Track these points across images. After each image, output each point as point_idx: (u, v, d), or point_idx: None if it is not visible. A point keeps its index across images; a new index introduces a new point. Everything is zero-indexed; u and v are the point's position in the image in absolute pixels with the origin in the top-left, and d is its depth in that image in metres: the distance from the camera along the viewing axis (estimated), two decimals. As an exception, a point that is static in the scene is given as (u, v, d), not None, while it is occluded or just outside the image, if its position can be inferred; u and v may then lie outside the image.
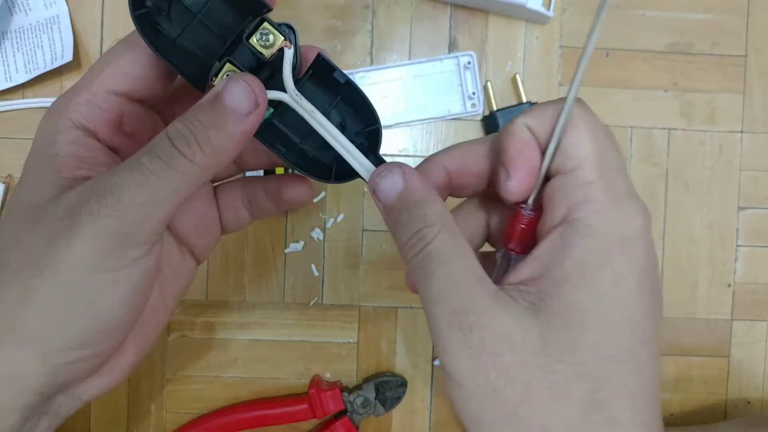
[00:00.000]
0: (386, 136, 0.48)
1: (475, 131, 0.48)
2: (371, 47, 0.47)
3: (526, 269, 0.23)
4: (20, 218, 0.23)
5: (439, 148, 0.47)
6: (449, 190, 0.27)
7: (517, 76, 0.47)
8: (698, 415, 0.49)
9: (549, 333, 0.21)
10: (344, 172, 0.27)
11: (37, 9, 0.46)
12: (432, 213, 0.23)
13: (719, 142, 0.48)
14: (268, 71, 0.26)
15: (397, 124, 0.47)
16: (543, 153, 0.24)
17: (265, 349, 0.48)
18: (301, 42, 0.26)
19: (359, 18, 0.47)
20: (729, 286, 0.49)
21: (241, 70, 0.24)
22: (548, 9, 0.46)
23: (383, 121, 0.47)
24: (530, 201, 0.24)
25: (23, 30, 0.46)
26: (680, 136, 0.48)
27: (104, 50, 0.46)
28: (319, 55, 0.26)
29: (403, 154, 0.48)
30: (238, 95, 0.23)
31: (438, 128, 0.48)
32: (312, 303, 0.48)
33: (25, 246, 0.22)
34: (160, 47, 0.24)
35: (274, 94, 0.25)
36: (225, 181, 0.32)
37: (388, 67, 0.47)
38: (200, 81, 0.25)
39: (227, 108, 0.22)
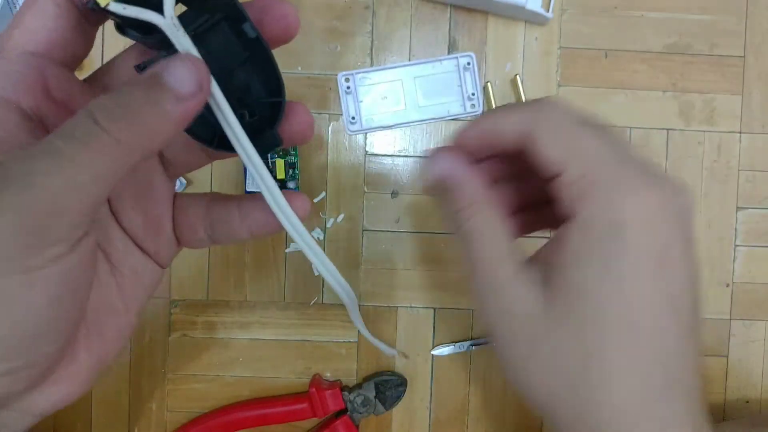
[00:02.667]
0: (387, 136, 0.48)
1: (474, 132, 0.48)
2: (371, 48, 0.48)
3: (544, 251, 0.27)
4: None
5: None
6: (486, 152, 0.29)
7: (518, 77, 0.47)
8: (697, 414, 0.49)
9: (552, 303, 0.25)
10: (230, 143, 0.23)
11: (39, 10, 0.46)
12: (468, 196, 0.27)
13: (718, 142, 0.48)
14: None
15: (397, 125, 0.48)
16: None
17: (265, 348, 0.48)
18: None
19: (359, 19, 0.47)
20: (727, 285, 0.49)
21: None
22: (547, 10, 0.46)
23: (384, 122, 0.48)
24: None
25: (25, 31, 0.46)
26: (679, 136, 0.48)
27: (105, 50, 0.46)
28: None
29: (402, 154, 0.48)
30: (180, 75, 0.20)
31: (438, 129, 0.48)
32: (312, 302, 0.48)
33: None
34: None
35: (147, 15, 0.20)
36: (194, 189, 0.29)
37: (388, 68, 0.47)
38: None
39: (166, 85, 0.20)
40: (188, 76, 0.20)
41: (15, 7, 0.46)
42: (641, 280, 0.24)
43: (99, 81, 0.25)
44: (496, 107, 0.29)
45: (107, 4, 0.20)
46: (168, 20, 0.21)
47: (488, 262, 0.26)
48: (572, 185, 0.24)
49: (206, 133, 0.23)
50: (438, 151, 0.28)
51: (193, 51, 0.21)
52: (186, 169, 0.28)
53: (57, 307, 0.20)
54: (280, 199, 0.25)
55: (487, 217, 0.27)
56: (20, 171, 0.19)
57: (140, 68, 0.22)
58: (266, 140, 0.24)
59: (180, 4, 0.22)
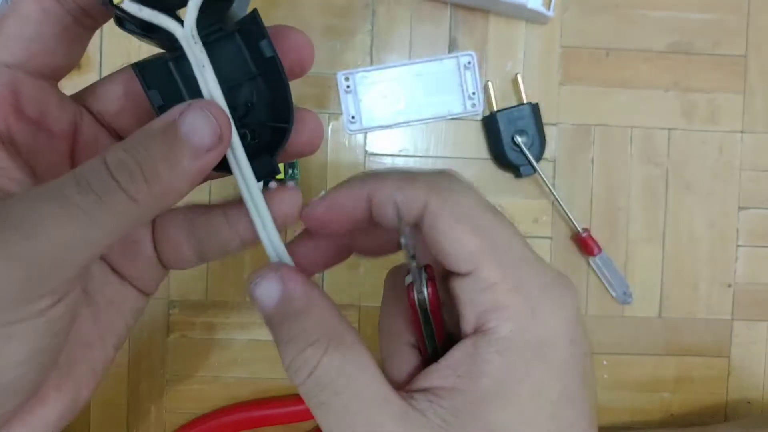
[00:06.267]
0: (387, 135, 0.47)
1: (475, 131, 0.47)
2: (371, 47, 0.47)
3: (437, 375, 0.20)
4: None
5: (440, 148, 0.47)
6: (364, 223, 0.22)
7: (519, 76, 0.46)
8: (699, 415, 0.49)
9: None
10: (224, 162, 0.21)
11: (37, 8, 0.46)
12: (313, 326, 0.20)
13: (720, 141, 0.48)
14: None
15: (397, 124, 0.47)
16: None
17: (265, 349, 0.48)
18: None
19: (359, 17, 0.47)
20: (729, 286, 0.48)
21: None
22: (548, 9, 0.46)
23: (384, 121, 0.47)
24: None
25: (23, 29, 0.46)
26: (681, 135, 0.48)
27: (104, 50, 0.46)
28: (253, 11, 0.21)
29: (402, 154, 0.48)
30: (199, 126, 0.19)
31: (438, 128, 0.48)
32: (312, 303, 0.48)
33: None
34: None
35: (167, 22, 0.20)
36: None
37: (389, 67, 0.47)
38: None
39: (184, 140, 0.18)
40: (208, 127, 0.19)
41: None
42: (568, 407, 0.20)
43: (84, 101, 0.23)
44: (357, 176, 0.22)
45: (121, 2, 0.19)
46: (187, 31, 0.20)
47: (363, 419, 0.19)
48: (487, 290, 0.19)
49: None
50: (268, 271, 0.21)
51: (208, 67, 0.20)
52: None
53: (34, 361, 0.18)
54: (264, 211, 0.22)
55: (348, 348, 0.20)
56: (23, 215, 0.17)
57: (161, 109, 0.21)
58: (263, 167, 0.22)
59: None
